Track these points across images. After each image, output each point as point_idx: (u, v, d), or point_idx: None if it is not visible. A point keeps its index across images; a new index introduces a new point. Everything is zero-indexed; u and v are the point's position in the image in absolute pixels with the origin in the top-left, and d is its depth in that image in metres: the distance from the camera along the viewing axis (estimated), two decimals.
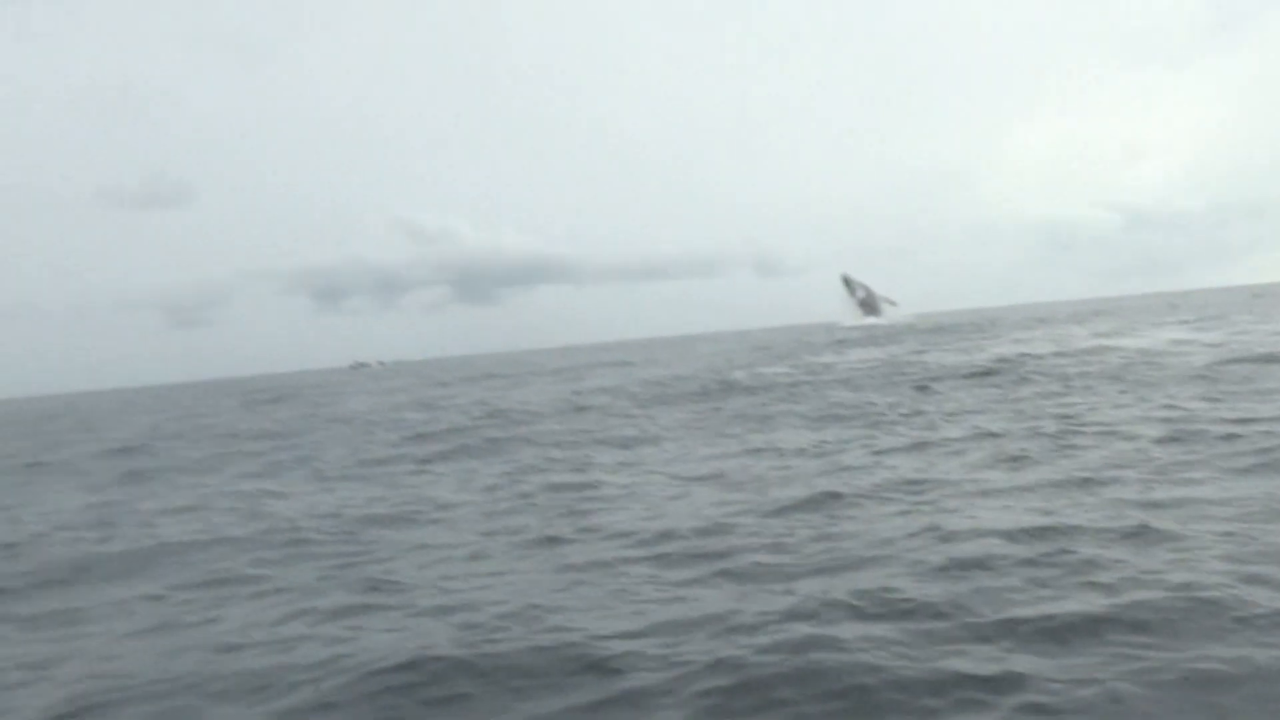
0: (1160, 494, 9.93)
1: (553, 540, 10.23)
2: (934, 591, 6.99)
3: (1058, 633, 6.00)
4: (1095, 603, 6.43)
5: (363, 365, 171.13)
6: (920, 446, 14.89)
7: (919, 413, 19.46)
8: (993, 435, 15.39)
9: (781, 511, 10.57)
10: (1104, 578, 7.04)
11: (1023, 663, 5.59)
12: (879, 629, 6.30)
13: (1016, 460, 12.83)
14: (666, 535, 9.90)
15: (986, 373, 27.00)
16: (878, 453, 14.62)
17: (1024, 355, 32.44)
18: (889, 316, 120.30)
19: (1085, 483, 10.84)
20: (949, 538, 8.59)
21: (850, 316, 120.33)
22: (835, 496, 10.94)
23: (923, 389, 24.49)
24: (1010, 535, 8.46)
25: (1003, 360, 30.94)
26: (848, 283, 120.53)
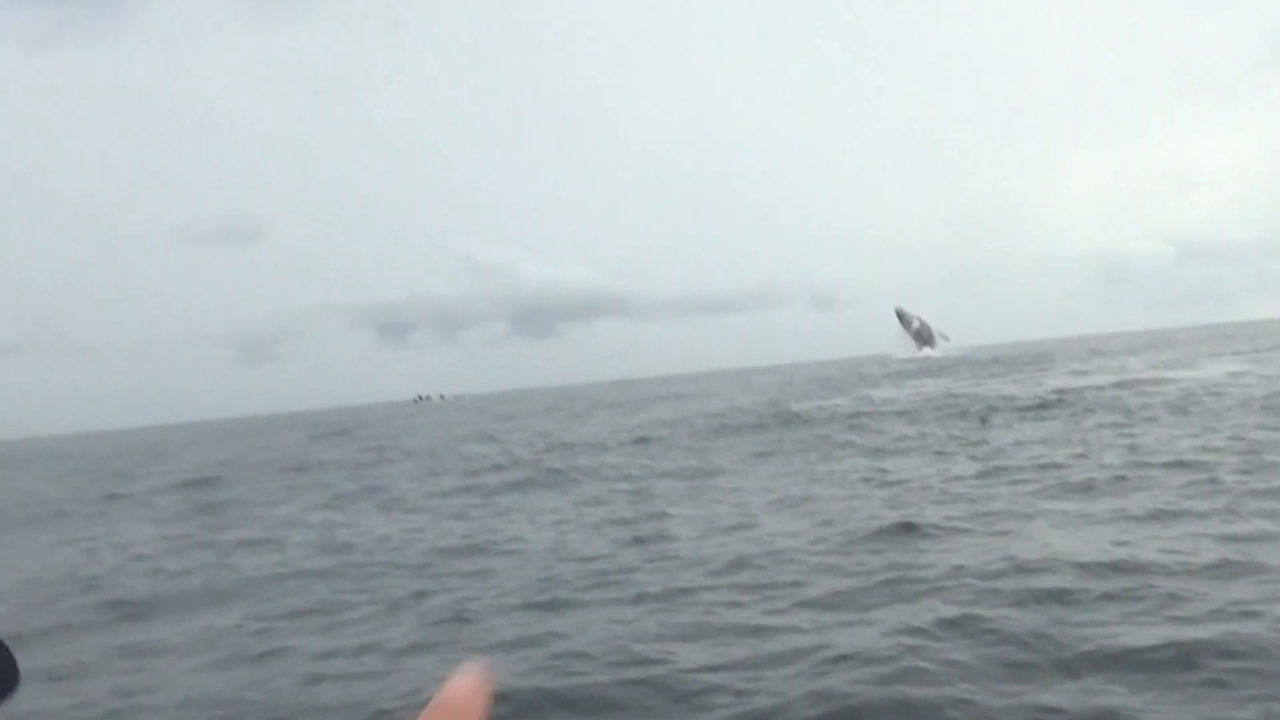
0: (1238, 527, 9.74)
1: (627, 570, 10.26)
2: (1017, 622, 6.92)
3: (1147, 666, 5.92)
4: (1184, 635, 6.33)
5: (425, 399, 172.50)
6: (986, 476, 14.77)
7: (982, 443, 19.28)
8: (1058, 466, 15.22)
9: (855, 541, 10.53)
10: (1189, 610, 6.92)
11: (1115, 697, 5.51)
12: (965, 660, 6.25)
13: (1085, 491, 12.67)
14: (739, 564, 9.90)
15: (1046, 404, 26.68)
16: (944, 482, 14.51)
17: (1083, 387, 32.03)
18: (943, 349, 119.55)
19: (1158, 514, 10.67)
20: (1025, 568, 8.51)
21: (905, 349, 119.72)
22: (907, 527, 10.87)
23: (984, 420, 24.26)
24: (1087, 566, 8.37)
25: (1062, 392, 30.56)
26: (902, 316, 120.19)
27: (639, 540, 12.00)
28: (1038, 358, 68.09)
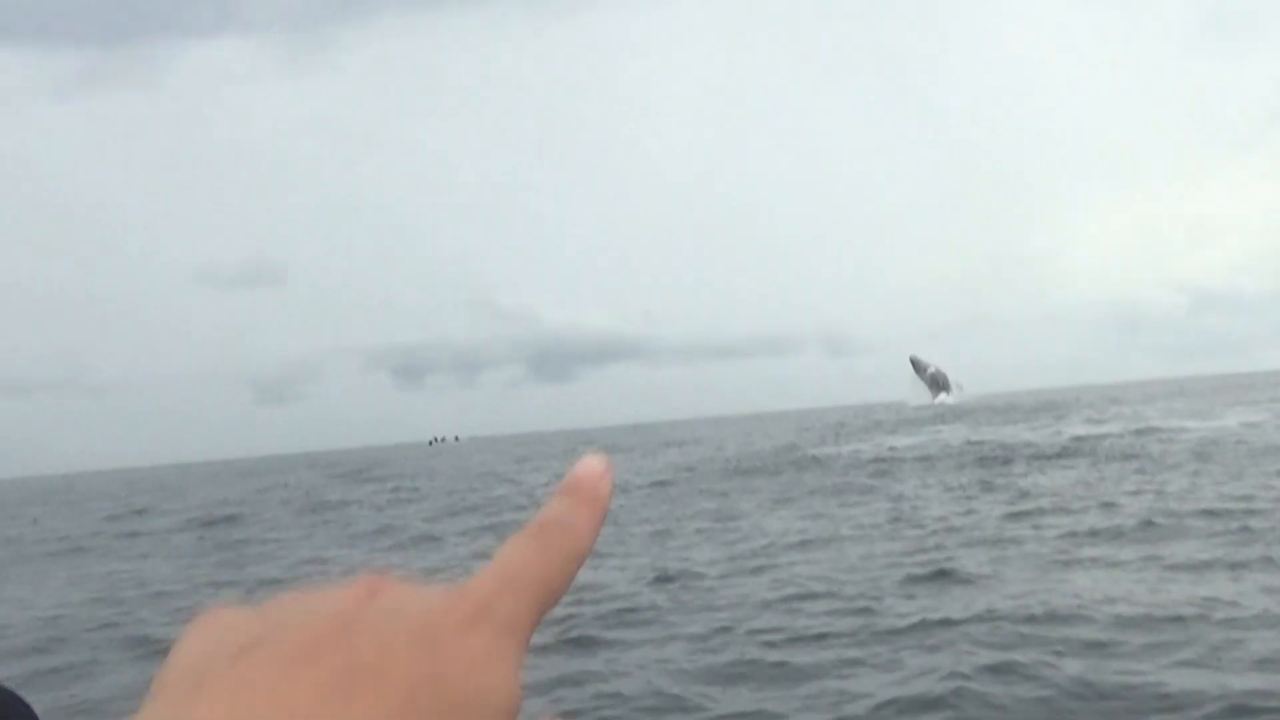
0: (1277, 578, 9.58)
1: (655, 608, 10.15)
2: (1057, 669, 6.82)
3: (1198, 716, 5.81)
4: (1233, 685, 6.22)
5: (440, 440, 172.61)
6: (1014, 520, 14.64)
7: (1007, 489, 19.12)
8: (1085, 512, 15.07)
9: (885, 584, 10.41)
10: (1236, 659, 6.81)
11: None
12: (1008, 705, 6.16)
13: (1115, 538, 12.53)
14: (767, 606, 9.80)
15: (1068, 451, 26.54)
16: (972, 527, 14.37)
17: (1104, 435, 31.81)
18: (958, 396, 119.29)
19: (1193, 563, 10.52)
20: (1061, 614, 8.39)
21: (920, 396, 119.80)
22: (940, 573, 10.75)
23: (1006, 465, 24.10)
24: (1126, 614, 8.25)
25: (1082, 439, 30.37)
26: (916, 364, 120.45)
27: (665, 579, 11.90)
28: (1053, 405, 67.75)
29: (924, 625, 8.45)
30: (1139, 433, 31.35)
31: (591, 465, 0.65)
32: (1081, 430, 35.43)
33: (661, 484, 27.69)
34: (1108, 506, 15.50)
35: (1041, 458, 25.60)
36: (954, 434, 40.39)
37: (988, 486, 19.94)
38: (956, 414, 65.64)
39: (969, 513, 16.22)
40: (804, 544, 14.10)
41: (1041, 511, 15.38)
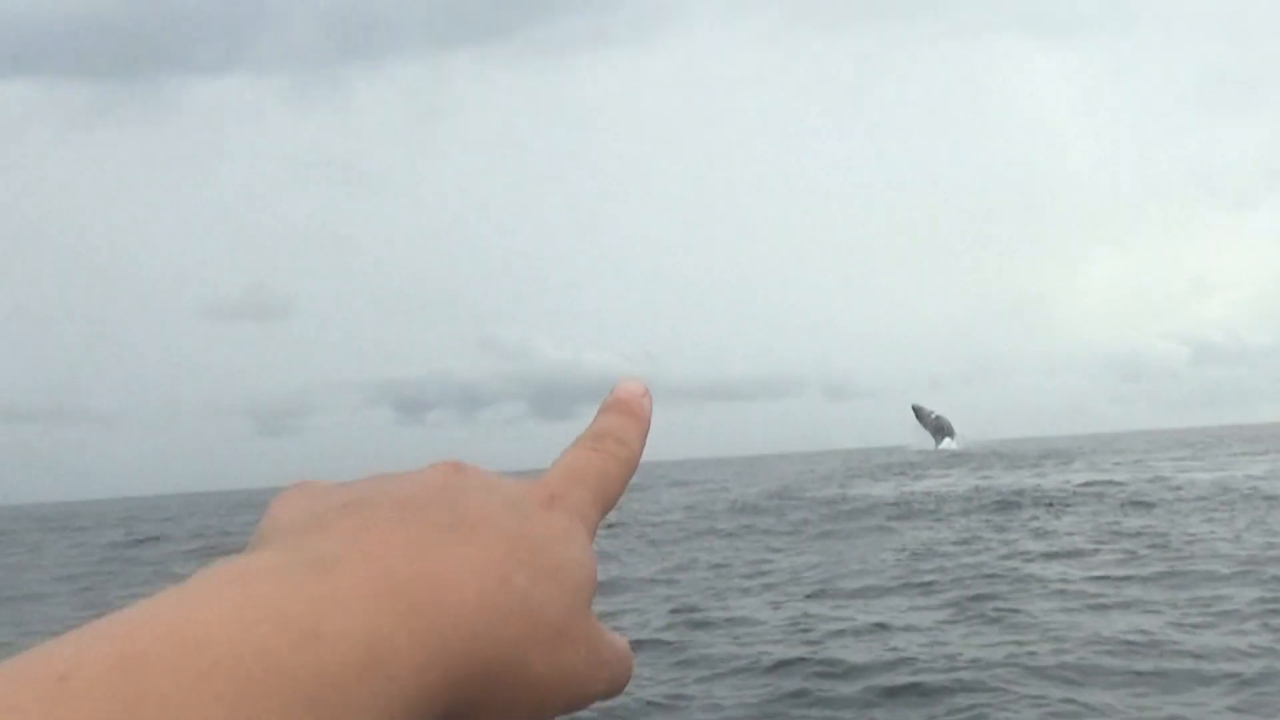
0: None
1: (687, 664, 9.98)
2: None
3: None
4: None
5: None
6: (1051, 561, 14.54)
7: (1036, 532, 18.96)
8: (1097, 554, 14.99)
9: (929, 626, 10.30)
10: None
11: None
12: None
13: (1147, 581, 12.44)
14: (798, 658, 9.68)
15: (1075, 498, 26.44)
16: (1008, 568, 14.25)
17: (1109, 481, 31.67)
18: (961, 443, 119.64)
19: (1256, 610, 10.39)
20: (1127, 650, 8.32)
21: (922, 441, 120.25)
22: (981, 615, 10.65)
23: (1016, 509, 24.02)
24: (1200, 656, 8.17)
25: (1089, 484, 30.24)
26: (919, 411, 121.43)
27: (685, 625, 11.77)
28: (1059, 452, 67.59)
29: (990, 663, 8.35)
30: (1153, 480, 31.26)
31: (632, 385, 0.73)
32: (1090, 475, 35.31)
33: (673, 524, 27.57)
34: (1131, 557, 15.36)
35: (1055, 503, 25.49)
36: (967, 478, 40.22)
37: (1016, 528, 19.78)
38: (962, 459, 65.46)
39: (1004, 555, 16.03)
40: (826, 591, 13.98)
41: (1073, 552, 15.30)
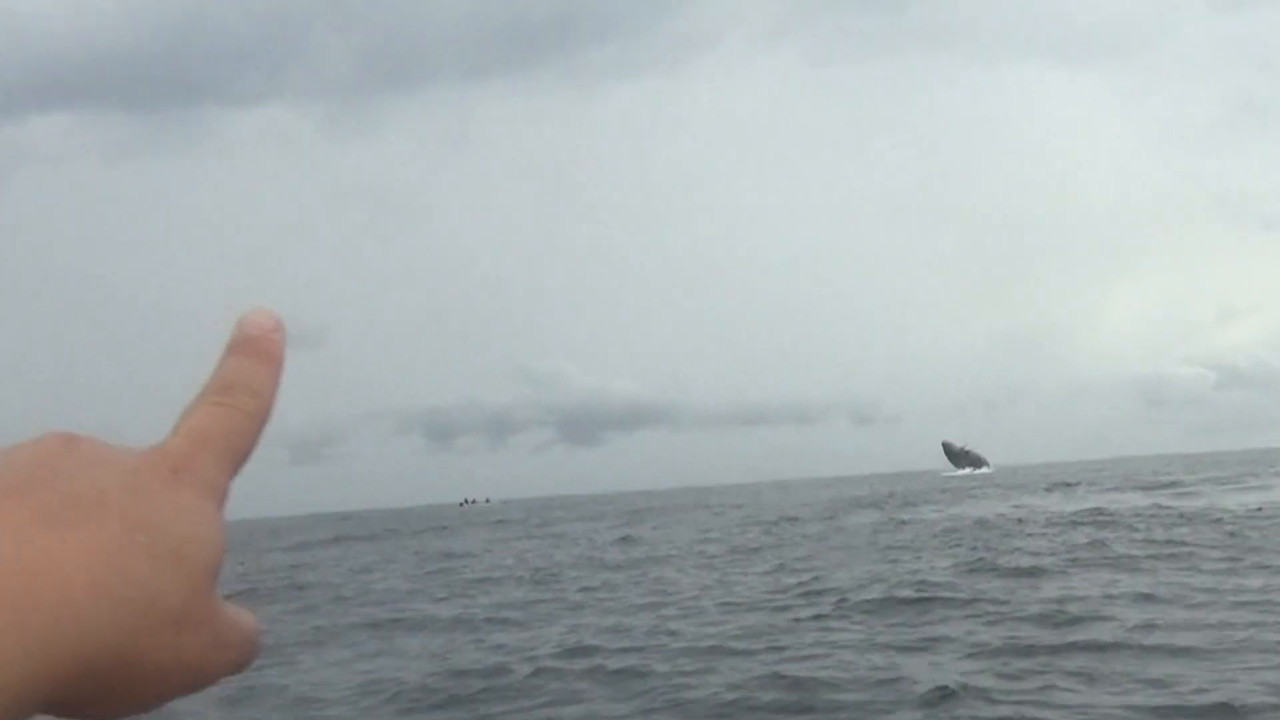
0: None
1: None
2: None
3: None
4: None
5: (471, 502, 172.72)
6: (1137, 599, 14.08)
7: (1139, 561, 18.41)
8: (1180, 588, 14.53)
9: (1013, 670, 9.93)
10: None
11: None
12: None
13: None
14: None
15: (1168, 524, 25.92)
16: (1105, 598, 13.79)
17: (1163, 507, 30.98)
18: (996, 466, 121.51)
19: None
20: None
21: (955, 467, 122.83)
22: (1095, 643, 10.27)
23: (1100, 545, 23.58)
24: None
25: (1162, 507, 29.57)
26: (949, 449, 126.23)
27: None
28: (1095, 478, 66.36)
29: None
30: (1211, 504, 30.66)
31: (261, 319, 0.64)
32: (1144, 500, 34.67)
33: (706, 541, 27.21)
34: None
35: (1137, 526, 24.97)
36: (1026, 501, 39.74)
37: (1099, 555, 19.20)
38: (1001, 484, 64.68)
39: (1104, 587, 15.52)
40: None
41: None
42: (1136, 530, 24.00)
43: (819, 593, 16.03)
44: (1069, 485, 53.27)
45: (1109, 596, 13.77)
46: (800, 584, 17.42)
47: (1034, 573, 16.88)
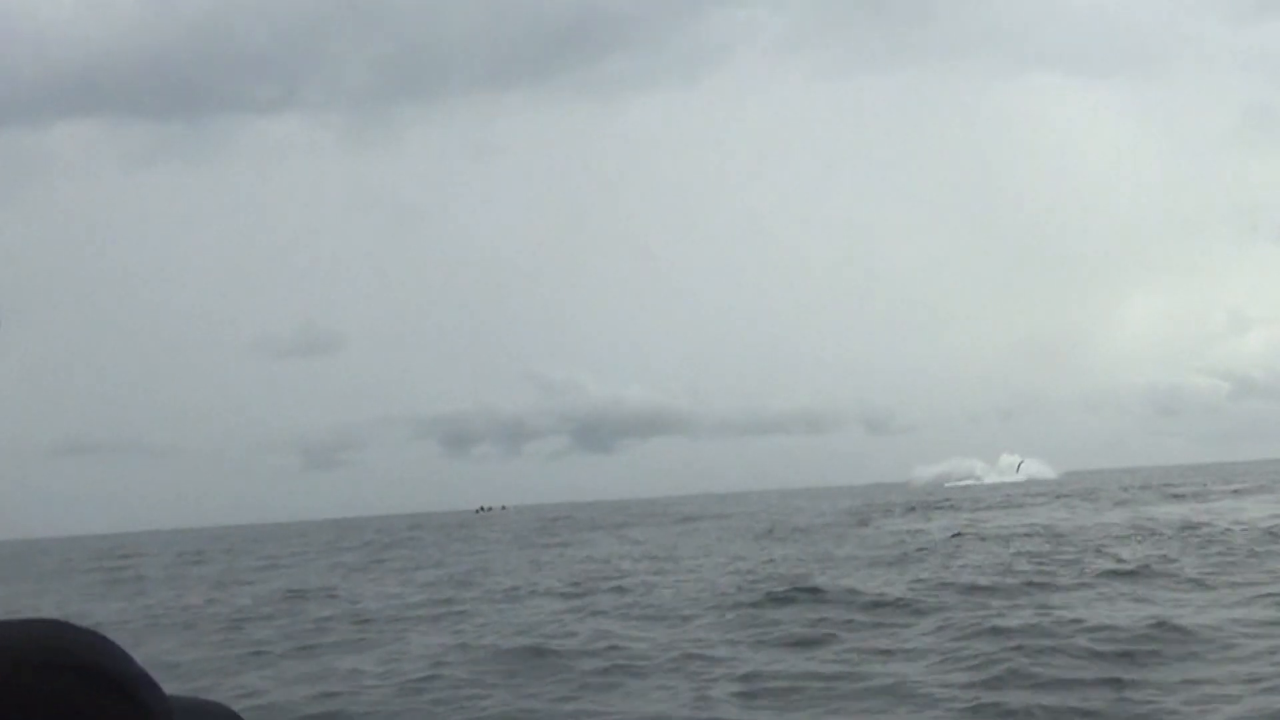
0: None
1: None
2: None
3: None
4: None
5: (488, 509, 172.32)
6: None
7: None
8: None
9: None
10: None
11: None
12: None
13: None
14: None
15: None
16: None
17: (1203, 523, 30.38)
18: (1024, 473, 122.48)
19: None
20: None
21: (991, 475, 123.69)
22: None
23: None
24: None
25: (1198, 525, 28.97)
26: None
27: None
28: (1123, 487, 65.60)
29: None
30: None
31: None
32: (1184, 512, 34.04)
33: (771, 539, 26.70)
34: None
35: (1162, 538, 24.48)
36: (1035, 515, 39.14)
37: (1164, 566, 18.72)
38: (1024, 493, 64.14)
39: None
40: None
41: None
42: None
43: None
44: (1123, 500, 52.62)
45: None
46: None
47: None
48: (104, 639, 0.95)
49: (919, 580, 18.19)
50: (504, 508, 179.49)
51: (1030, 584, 16.98)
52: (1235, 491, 48.60)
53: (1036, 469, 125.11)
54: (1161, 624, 11.98)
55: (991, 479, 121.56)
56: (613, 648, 13.06)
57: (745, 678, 10.90)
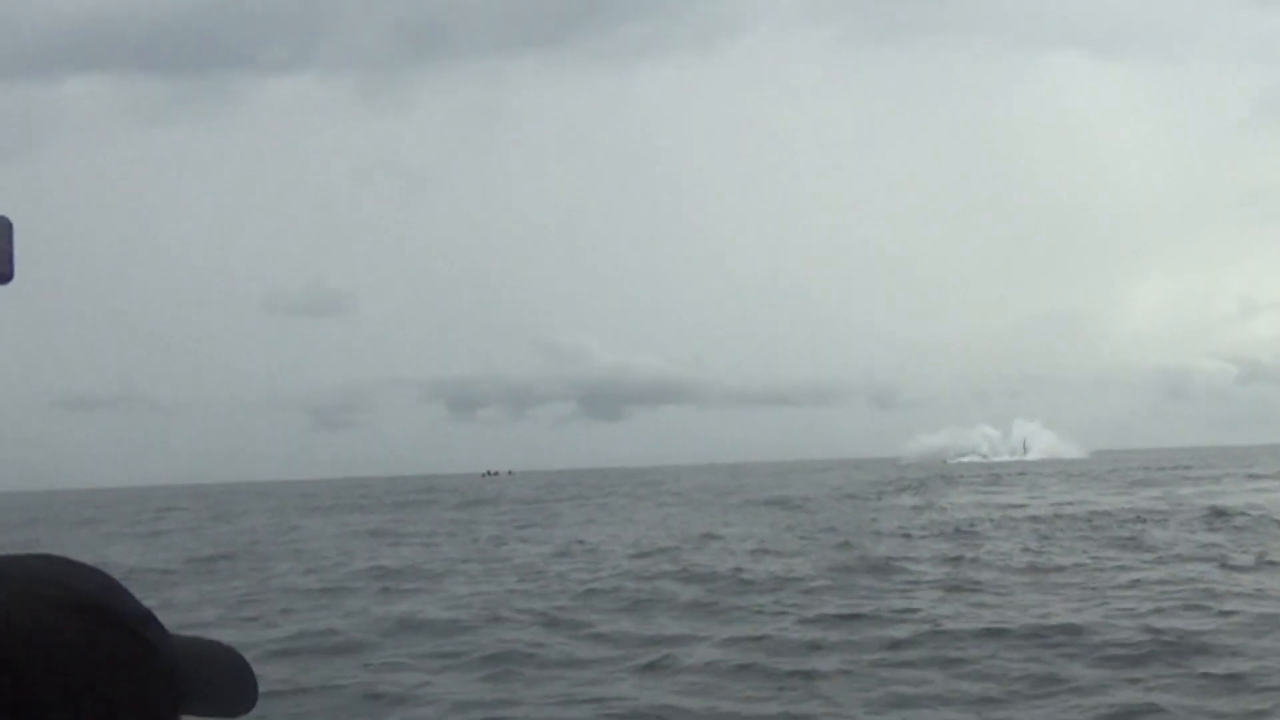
0: None
1: None
2: None
3: None
4: None
5: (494, 474, 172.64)
6: None
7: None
8: None
9: None
10: None
11: None
12: None
13: None
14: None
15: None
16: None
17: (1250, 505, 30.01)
18: (1034, 454, 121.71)
19: None
20: None
21: (1000, 454, 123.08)
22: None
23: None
24: None
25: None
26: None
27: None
28: (1143, 469, 65.25)
29: None
30: None
31: None
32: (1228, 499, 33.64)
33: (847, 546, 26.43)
34: None
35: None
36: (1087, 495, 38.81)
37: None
38: (1038, 471, 63.72)
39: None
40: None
41: None
42: None
43: None
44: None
45: None
46: None
47: None
48: (108, 576, 0.94)
49: None
50: (510, 473, 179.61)
51: None
52: None
53: (1056, 445, 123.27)
54: None
55: (1002, 456, 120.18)
56: None
57: None
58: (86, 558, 0.96)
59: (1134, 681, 9.46)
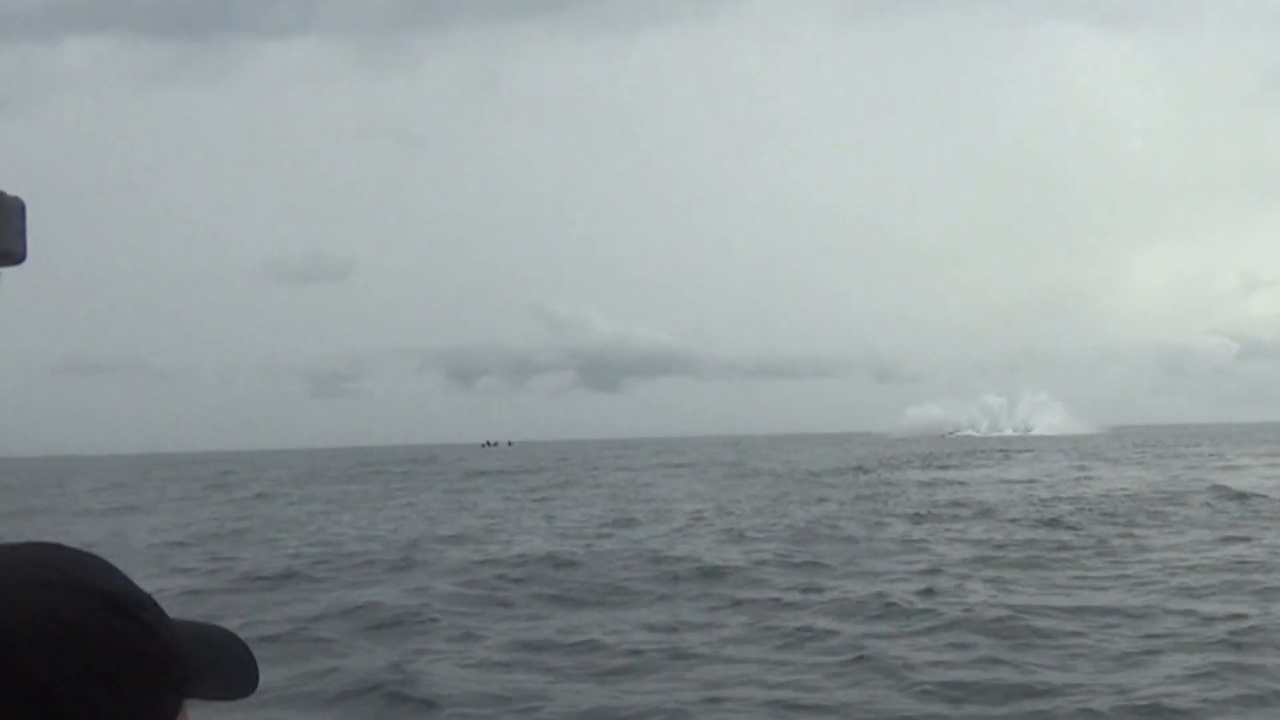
0: None
1: None
2: None
3: None
4: None
5: (493, 444, 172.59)
6: None
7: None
8: None
9: None
10: None
11: None
12: None
13: None
14: None
15: None
16: None
17: None
18: (1040, 429, 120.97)
19: None
20: None
21: (1002, 428, 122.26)
22: None
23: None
24: None
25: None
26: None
27: None
28: (1156, 444, 64.49)
29: None
30: None
31: None
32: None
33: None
34: None
35: None
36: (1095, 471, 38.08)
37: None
38: (1040, 445, 63.05)
39: None
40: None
41: None
42: None
43: None
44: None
45: None
46: None
47: None
48: (104, 562, 0.93)
49: None
50: (510, 443, 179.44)
51: None
52: None
53: (1065, 420, 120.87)
54: None
55: (1004, 431, 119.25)
56: None
57: None
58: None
59: None
